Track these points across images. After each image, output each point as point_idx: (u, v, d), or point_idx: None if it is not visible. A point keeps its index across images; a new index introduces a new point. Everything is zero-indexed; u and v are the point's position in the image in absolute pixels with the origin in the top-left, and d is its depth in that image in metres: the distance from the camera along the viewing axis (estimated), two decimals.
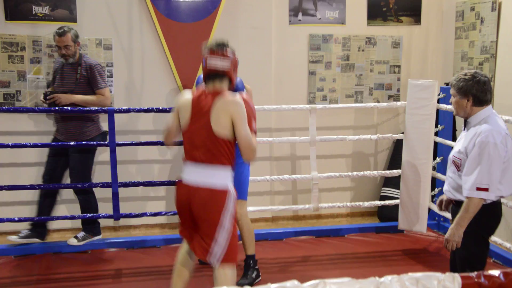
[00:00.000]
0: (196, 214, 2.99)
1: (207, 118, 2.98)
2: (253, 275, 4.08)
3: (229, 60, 3.07)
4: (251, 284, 4.00)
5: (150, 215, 4.69)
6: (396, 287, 1.39)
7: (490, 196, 2.90)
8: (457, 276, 1.37)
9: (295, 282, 1.38)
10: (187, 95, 3.13)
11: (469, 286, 1.36)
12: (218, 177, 2.98)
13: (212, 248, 2.98)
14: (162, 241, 4.88)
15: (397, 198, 5.15)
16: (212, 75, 3.06)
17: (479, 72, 3.05)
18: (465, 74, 3.03)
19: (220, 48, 3.06)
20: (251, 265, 4.10)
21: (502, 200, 4.35)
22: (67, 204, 5.17)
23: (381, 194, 5.70)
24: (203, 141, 2.99)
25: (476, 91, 2.96)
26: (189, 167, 3.05)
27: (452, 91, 3.09)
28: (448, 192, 3.19)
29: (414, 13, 5.80)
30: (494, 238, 4.47)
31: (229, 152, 3.01)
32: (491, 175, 2.86)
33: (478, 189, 2.87)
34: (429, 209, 5.10)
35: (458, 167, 3.05)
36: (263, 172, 5.31)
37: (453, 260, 3.22)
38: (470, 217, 2.92)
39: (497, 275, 1.35)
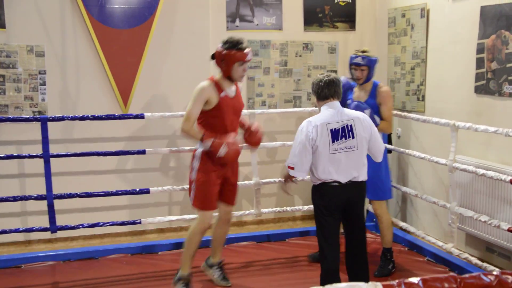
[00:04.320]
0: None
1: None
2: (389, 267, 4.47)
3: (216, 54, 3.86)
4: (387, 275, 4.40)
5: (87, 227, 4.58)
6: None
7: (297, 175, 3.55)
8: (379, 285, 1.40)
9: None
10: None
11: None
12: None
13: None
14: (101, 252, 4.78)
15: None
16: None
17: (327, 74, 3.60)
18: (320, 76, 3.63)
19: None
20: (388, 257, 4.49)
21: (434, 199, 4.52)
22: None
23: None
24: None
25: (314, 89, 3.59)
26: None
27: None
28: None
29: (349, 19, 5.93)
30: (428, 237, 4.62)
31: (201, 123, 3.91)
32: (296, 158, 3.45)
33: (289, 167, 3.52)
34: (367, 211, 5.22)
35: None
36: None
37: None
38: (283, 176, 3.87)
39: (416, 282, 1.39)
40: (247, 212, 4.99)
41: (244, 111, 4.99)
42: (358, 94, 4.47)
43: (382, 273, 4.40)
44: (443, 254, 4.53)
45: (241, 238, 5.14)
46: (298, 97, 5.83)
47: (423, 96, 5.17)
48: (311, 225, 5.70)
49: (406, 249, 4.90)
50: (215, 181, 3.92)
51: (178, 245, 4.91)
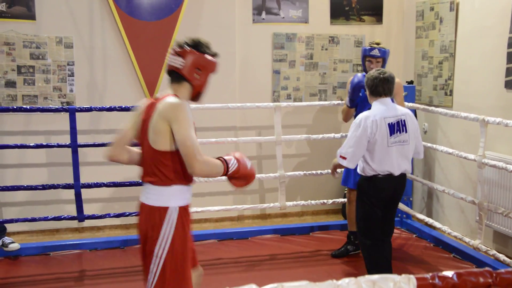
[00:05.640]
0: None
1: (146, 128, 2.61)
2: (349, 247, 4.66)
3: (185, 58, 2.60)
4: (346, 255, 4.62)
5: (113, 216, 4.63)
6: None
7: (349, 165, 3.56)
8: (412, 278, 1.38)
9: (252, 286, 1.38)
10: (144, 101, 2.77)
11: (424, 287, 1.38)
12: (160, 199, 2.59)
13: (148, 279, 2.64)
14: (126, 242, 4.83)
15: None
16: (170, 74, 2.69)
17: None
18: (373, 72, 3.67)
19: (180, 45, 2.65)
20: (352, 239, 4.64)
21: (461, 195, 4.46)
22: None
23: (345, 192, 5.75)
24: (145, 156, 2.65)
25: (368, 85, 3.63)
26: (143, 187, 2.71)
27: None
28: None
29: (376, 12, 5.88)
30: (454, 233, 4.57)
31: (171, 167, 2.57)
32: (351, 149, 3.50)
33: (341, 156, 3.55)
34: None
35: None
36: None
37: None
38: (335, 167, 3.80)
39: (450, 276, 1.37)
40: (272, 205, 4.99)
41: (270, 104, 5.00)
42: None
43: (339, 253, 4.63)
44: (470, 251, 4.48)
45: (265, 231, 5.16)
46: (324, 91, 5.80)
47: (451, 91, 5.11)
48: (335, 219, 5.71)
49: (431, 245, 4.86)
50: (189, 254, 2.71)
51: (201, 237, 4.96)
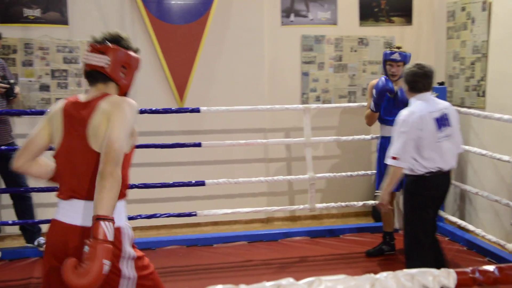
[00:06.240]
0: None
1: (83, 132, 2.20)
2: (383, 247, 4.69)
3: (109, 56, 2.29)
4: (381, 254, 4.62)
5: (145, 217, 4.68)
6: (391, 284, 1.39)
7: (402, 165, 3.39)
8: (452, 272, 1.37)
9: (290, 279, 1.38)
10: (60, 103, 2.36)
11: (464, 281, 1.37)
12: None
13: None
14: (158, 243, 4.89)
15: None
16: (91, 75, 2.33)
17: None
18: (411, 66, 3.60)
19: (100, 41, 2.32)
20: (387, 239, 4.68)
21: (495, 198, 4.38)
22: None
23: (375, 194, 5.70)
24: (79, 166, 2.21)
25: (409, 80, 3.54)
26: (64, 204, 2.24)
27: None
28: None
29: (405, 13, 5.83)
30: (488, 236, 4.49)
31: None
32: (402, 147, 3.37)
33: (393, 157, 3.41)
34: None
35: None
36: (258, 174, 5.34)
37: None
38: (393, 183, 3.47)
39: (491, 270, 1.36)
40: (301, 207, 4.98)
41: (299, 106, 5.00)
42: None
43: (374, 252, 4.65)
44: (505, 255, 4.38)
45: (295, 233, 5.15)
46: (353, 92, 5.78)
47: (484, 92, 5.03)
48: (364, 222, 5.67)
49: (464, 248, 4.78)
50: None
51: (231, 238, 4.98)
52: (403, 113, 3.46)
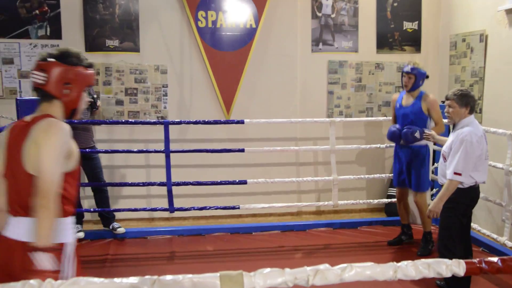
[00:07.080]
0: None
1: (19, 154, 1.92)
2: (429, 247, 4.40)
3: (49, 72, 1.95)
4: (429, 254, 4.32)
5: (197, 209, 4.77)
6: (411, 271, 1.42)
7: (463, 180, 3.20)
8: (462, 262, 1.41)
9: (327, 265, 1.42)
10: (8, 127, 2.05)
11: (472, 270, 1.39)
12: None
13: None
14: (207, 230, 4.97)
15: None
16: (36, 92, 2.01)
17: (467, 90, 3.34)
18: (462, 91, 3.29)
19: (43, 59, 1.98)
20: (428, 238, 4.40)
21: (489, 198, 4.33)
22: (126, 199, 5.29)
23: (388, 193, 5.70)
24: (19, 185, 1.94)
25: (472, 102, 3.29)
26: (13, 220, 1.95)
27: (452, 103, 3.29)
28: (439, 178, 3.46)
29: (415, 43, 5.81)
30: (483, 230, 4.43)
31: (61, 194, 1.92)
32: (465, 164, 3.17)
33: (455, 173, 3.19)
34: (429, 205, 5.08)
35: (445, 158, 3.33)
36: (290, 175, 5.39)
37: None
38: (449, 195, 3.25)
39: (495, 261, 1.38)
40: (326, 203, 5.00)
41: (326, 119, 5.02)
42: (406, 99, 4.40)
43: (424, 252, 4.35)
44: (497, 246, 4.33)
45: (320, 224, 5.17)
46: (370, 108, 5.78)
47: (481, 109, 4.97)
48: (378, 216, 5.65)
49: None
50: None
51: (267, 228, 5.03)
52: (466, 133, 3.20)
